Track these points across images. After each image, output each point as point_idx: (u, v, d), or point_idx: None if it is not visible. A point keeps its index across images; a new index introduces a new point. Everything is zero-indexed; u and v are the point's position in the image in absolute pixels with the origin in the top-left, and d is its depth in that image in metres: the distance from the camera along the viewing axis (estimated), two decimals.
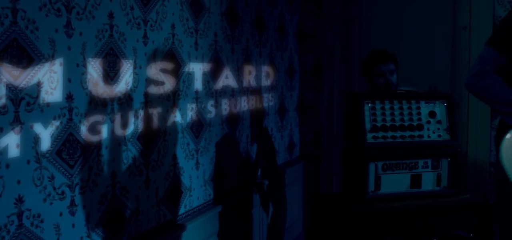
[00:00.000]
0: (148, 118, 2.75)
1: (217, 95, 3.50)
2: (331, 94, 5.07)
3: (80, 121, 2.25)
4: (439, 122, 3.44)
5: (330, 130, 5.09)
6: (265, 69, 4.32)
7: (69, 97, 2.19)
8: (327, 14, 5.09)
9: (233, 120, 3.74)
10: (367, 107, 3.36)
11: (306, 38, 5.17)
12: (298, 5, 5.11)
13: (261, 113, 4.24)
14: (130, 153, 2.60)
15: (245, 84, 3.93)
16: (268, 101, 4.40)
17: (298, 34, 5.12)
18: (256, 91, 4.13)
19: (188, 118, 3.15)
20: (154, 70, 2.80)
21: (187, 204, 3.16)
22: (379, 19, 5.05)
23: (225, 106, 3.63)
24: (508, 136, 2.64)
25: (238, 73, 3.81)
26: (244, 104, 3.93)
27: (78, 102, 2.24)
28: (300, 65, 5.17)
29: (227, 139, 3.65)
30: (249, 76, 4.02)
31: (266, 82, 4.35)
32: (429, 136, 3.44)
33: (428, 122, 3.45)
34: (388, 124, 3.36)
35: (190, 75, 3.16)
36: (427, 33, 4.95)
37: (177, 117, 3.02)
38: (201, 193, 3.33)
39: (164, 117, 2.88)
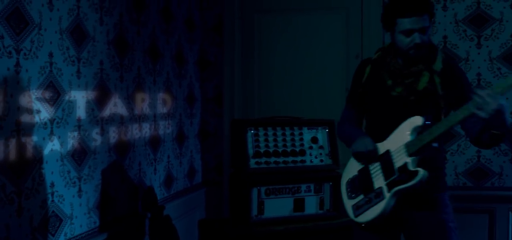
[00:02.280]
0: (20, 147, 2.74)
1: (104, 123, 3.52)
2: None
3: None
4: (321, 147, 3.59)
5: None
6: (161, 96, 4.37)
7: None
8: (227, 42, 5.20)
9: (122, 147, 3.76)
10: (250, 133, 3.46)
11: (207, 66, 5.26)
12: (199, 34, 5.20)
13: (156, 140, 4.28)
14: None
15: (137, 111, 3.96)
16: (165, 128, 4.44)
17: (199, 62, 5.20)
18: (150, 119, 4.16)
19: (69, 146, 3.15)
20: (28, 99, 2.80)
21: (67, 232, 3.15)
22: (277, 47, 5.20)
23: (114, 134, 3.65)
24: (349, 161, 3.00)
25: (128, 101, 3.84)
26: (136, 131, 3.96)
27: None
28: (202, 93, 5.25)
29: (116, 167, 3.67)
30: (142, 104, 4.06)
31: (162, 109, 4.39)
32: (311, 161, 3.58)
33: (311, 147, 3.59)
34: (271, 150, 3.47)
35: (72, 103, 3.17)
36: (323, 61, 5.13)
37: (55, 145, 3.02)
38: (85, 220, 3.33)
39: (40, 145, 2.88)
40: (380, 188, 2.84)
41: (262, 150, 3.42)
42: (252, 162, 3.40)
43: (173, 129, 4.61)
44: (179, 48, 4.73)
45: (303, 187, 3.51)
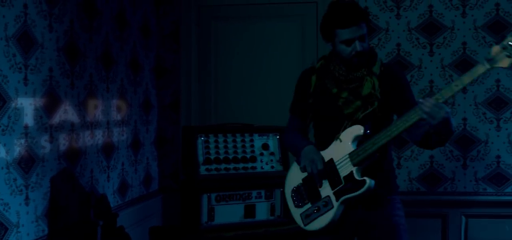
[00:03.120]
0: None
1: (53, 130, 3.50)
2: None
3: None
4: (272, 153, 3.62)
5: None
6: (115, 103, 4.36)
7: None
8: (184, 49, 5.21)
9: (73, 154, 3.73)
10: (200, 140, 3.47)
11: (164, 73, 5.25)
12: (156, 40, 5.20)
13: (110, 147, 4.26)
14: None
15: (89, 119, 3.94)
16: (119, 135, 4.42)
17: (156, 69, 5.20)
18: (103, 126, 4.15)
19: (16, 154, 3.13)
20: None
21: None
22: (234, 54, 5.23)
23: (64, 141, 3.63)
24: (292, 165, 3.02)
25: (80, 108, 3.82)
26: (88, 138, 3.94)
27: None
28: (158, 100, 5.25)
29: (66, 174, 3.64)
30: (95, 111, 4.04)
31: (116, 116, 4.38)
32: (262, 168, 3.60)
33: (262, 154, 3.62)
34: (221, 157, 3.49)
35: (18, 110, 3.15)
36: (279, 68, 5.17)
37: (0, 152, 2.99)
38: (32, 229, 3.30)
39: None
40: (328, 197, 2.87)
41: (212, 157, 3.43)
42: (202, 168, 3.41)
43: (128, 136, 4.60)
44: (134, 55, 4.72)
45: (254, 193, 3.53)
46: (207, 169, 3.41)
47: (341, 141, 2.83)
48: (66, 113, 3.66)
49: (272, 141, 3.61)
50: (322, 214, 2.88)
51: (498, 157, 4.92)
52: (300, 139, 3.06)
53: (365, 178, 2.78)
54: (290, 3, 5.19)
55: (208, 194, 3.37)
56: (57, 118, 3.55)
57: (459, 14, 4.92)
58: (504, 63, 2.53)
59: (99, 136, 4.11)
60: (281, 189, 3.58)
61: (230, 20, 5.27)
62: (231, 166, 3.47)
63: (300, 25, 5.17)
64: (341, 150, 2.84)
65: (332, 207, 2.85)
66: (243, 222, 3.49)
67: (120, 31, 4.46)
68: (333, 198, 2.85)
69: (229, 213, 3.46)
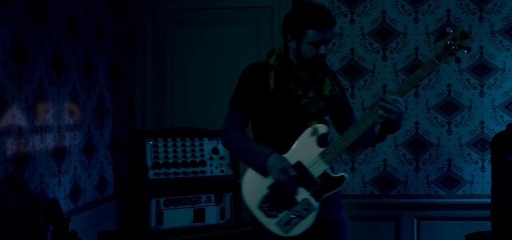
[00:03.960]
0: None
1: None
2: None
3: None
4: (222, 158, 3.62)
5: None
6: (67, 107, 4.32)
7: None
8: (139, 53, 5.19)
9: (21, 159, 3.69)
10: (149, 144, 3.46)
11: (120, 77, 5.23)
12: (111, 44, 5.17)
13: (61, 151, 4.22)
14: None
15: (38, 123, 3.90)
16: (71, 139, 4.38)
17: (110, 72, 5.17)
18: (54, 130, 4.11)
19: None
20: None
21: None
22: (190, 58, 5.23)
23: (11, 145, 3.58)
24: (247, 173, 2.91)
25: (28, 112, 3.78)
26: (37, 143, 3.90)
27: None
28: (114, 104, 5.21)
29: (13, 179, 3.60)
30: (45, 115, 4.00)
31: (68, 120, 4.34)
32: (212, 172, 3.61)
33: (211, 158, 3.62)
34: (170, 161, 3.48)
35: None
36: (235, 72, 5.15)
37: None
38: None
39: None
40: (306, 199, 2.84)
41: (161, 161, 3.43)
42: (151, 173, 3.40)
43: (80, 140, 4.56)
44: (87, 58, 4.69)
45: (203, 197, 3.53)
46: (155, 173, 3.40)
47: (304, 141, 2.84)
48: (14, 117, 3.61)
49: (222, 145, 3.62)
50: (304, 217, 2.84)
51: (450, 160, 5.01)
52: (252, 143, 2.95)
53: (342, 173, 2.85)
54: (245, 8, 5.22)
55: (157, 199, 3.37)
56: (3, 122, 3.50)
57: (411, 20, 5.00)
58: (448, 60, 2.88)
59: (50, 141, 4.07)
60: (231, 193, 3.59)
61: (186, 24, 5.27)
62: (181, 170, 3.47)
63: (256, 29, 5.20)
64: (307, 151, 2.83)
65: (314, 208, 2.83)
66: (192, 226, 3.49)
67: (73, 34, 4.42)
68: (312, 199, 2.83)
69: (178, 217, 3.46)
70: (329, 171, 2.86)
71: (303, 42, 2.86)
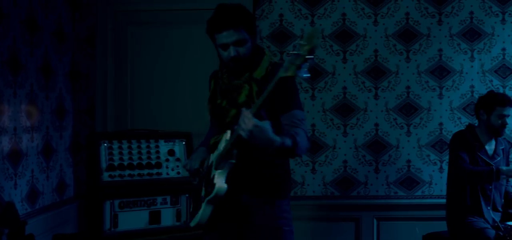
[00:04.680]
0: None
1: None
2: None
3: None
4: (178, 159, 3.62)
5: None
6: (24, 109, 4.27)
7: None
8: (100, 54, 5.16)
9: None
10: (103, 146, 3.44)
11: (80, 78, 5.19)
12: (71, 45, 5.13)
13: (17, 154, 4.17)
14: None
15: None
16: (28, 142, 4.34)
17: (71, 73, 5.12)
18: (9, 132, 4.06)
19: None
20: None
21: None
22: (151, 59, 5.22)
23: None
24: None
25: None
26: None
27: None
28: (74, 105, 5.17)
29: None
30: (0, 117, 3.95)
31: (25, 122, 4.29)
32: (168, 174, 3.60)
33: (167, 160, 3.61)
34: (125, 163, 3.47)
35: None
36: (195, 74, 5.18)
37: None
38: None
39: None
40: (202, 197, 2.91)
41: (116, 163, 3.41)
42: (105, 175, 3.38)
43: (38, 143, 4.51)
44: (46, 59, 4.64)
45: (159, 199, 3.53)
46: (110, 176, 3.38)
47: (218, 148, 2.87)
48: None
49: (178, 147, 3.62)
50: (197, 212, 2.89)
51: (409, 161, 5.07)
52: (202, 141, 3.08)
53: (215, 182, 2.77)
54: (200, 10, 5.20)
55: (111, 201, 3.35)
56: None
57: (371, 22, 5.05)
58: (291, 72, 2.41)
59: (5, 143, 4.02)
60: (187, 195, 3.60)
61: (147, 26, 5.25)
62: (136, 172, 3.45)
63: None
64: (214, 155, 2.88)
65: (200, 208, 2.88)
66: (148, 228, 3.48)
67: (30, 35, 4.38)
68: (204, 199, 2.88)
69: (134, 219, 3.44)
70: (216, 177, 2.79)
71: (217, 46, 2.86)
